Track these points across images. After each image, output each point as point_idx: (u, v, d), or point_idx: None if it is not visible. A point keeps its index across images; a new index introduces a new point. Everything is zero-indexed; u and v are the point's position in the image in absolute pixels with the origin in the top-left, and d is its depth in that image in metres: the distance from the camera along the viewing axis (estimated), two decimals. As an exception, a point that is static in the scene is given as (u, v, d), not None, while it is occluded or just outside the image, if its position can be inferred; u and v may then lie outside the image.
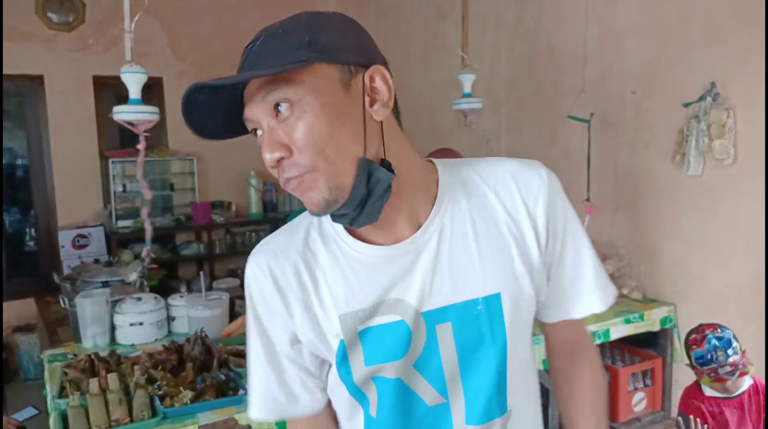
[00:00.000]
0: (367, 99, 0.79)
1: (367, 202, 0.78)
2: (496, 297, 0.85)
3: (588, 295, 0.94)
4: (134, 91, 2.02)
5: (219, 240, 5.03)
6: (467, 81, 2.85)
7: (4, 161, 4.76)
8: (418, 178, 0.88)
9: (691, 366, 2.08)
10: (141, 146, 2.07)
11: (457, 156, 2.02)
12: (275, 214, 5.34)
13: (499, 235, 0.87)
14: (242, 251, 5.16)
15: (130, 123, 2.00)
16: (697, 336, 2.07)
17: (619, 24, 3.00)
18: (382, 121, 0.81)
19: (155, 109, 2.05)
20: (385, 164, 0.80)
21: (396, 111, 0.87)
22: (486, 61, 3.86)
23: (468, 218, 0.87)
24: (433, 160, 0.94)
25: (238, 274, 5.12)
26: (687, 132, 2.66)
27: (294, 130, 0.74)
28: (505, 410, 0.90)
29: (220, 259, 5.06)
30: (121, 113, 1.97)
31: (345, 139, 0.76)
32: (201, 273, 2.63)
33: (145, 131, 2.01)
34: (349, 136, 0.76)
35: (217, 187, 5.24)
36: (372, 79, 0.80)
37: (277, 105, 0.74)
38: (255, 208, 5.21)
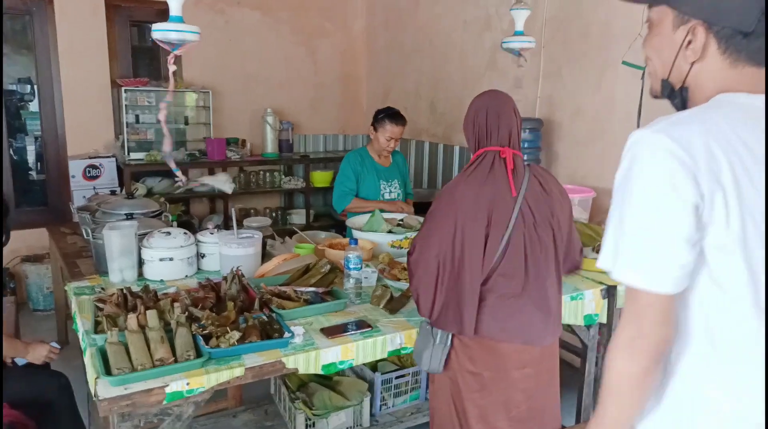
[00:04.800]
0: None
1: None
2: None
3: None
4: (176, 7, 1.83)
5: (233, 178, 4.87)
6: (520, 17, 2.65)
7: (10, 85, 4.54)
8: None
9: None
10: (171, 68, 1.87)
11: (509, 98, 1.87)
12: (290, 153, 5.17)
13: None
14: (256, 191, 5.03)
15: (169, 43, 1.81)
16: None
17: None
18: None
19: (196, 28, 1.87)
20: None
21: None
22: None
23: None
24: None
25: (252, 214, 5.01)
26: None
27: None
28: None
29: (233, 198, 4.92)
30: (163, 31, 1.78)
31: None
32: (232, 209, 2.50)
33: (179, 54, 1.82)
34: None
35: (232, 124, 5.05)
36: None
37: None
38: (270, 147, 5.04)
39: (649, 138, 0.92)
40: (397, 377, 2.75)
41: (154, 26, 1.82)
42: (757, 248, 0.92)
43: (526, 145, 3.43)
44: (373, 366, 2.79)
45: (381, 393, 2.72)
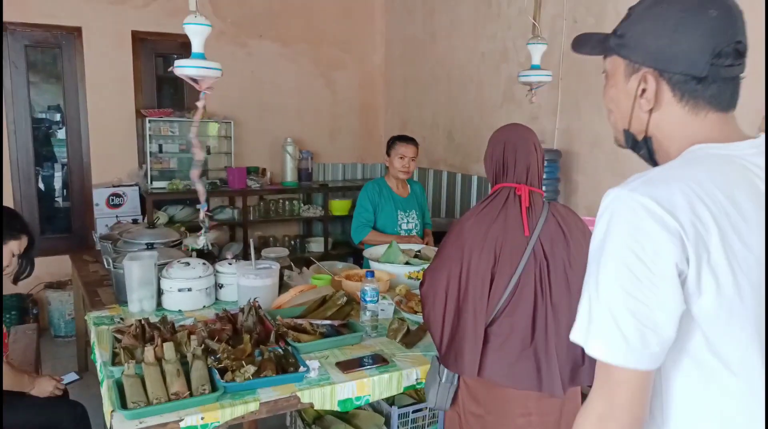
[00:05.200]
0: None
1: None
2: None
3: None
4: (197, 44, 1.89)
5: (252, 206, 4.93)
6: (537, 51, 2.66)
7: (40, 113, 4.67)
8: None
9: None
10: (200, 104, 1.94)
11: (530, 132, 1.84)
12: (310, 182, 5.22)
13: None
14: (275, 219, 5.07)
15: (192, 79, 1.86)
16: None
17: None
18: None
19: (218, 64, 1.92)
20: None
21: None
22: (545, 33, 3.64)
23: None
24: None
25: (270, 243, 5.05)
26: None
27: None
28: None
29: (252, 226, 4.97)
30: (184, 68, 1.84)
31: None
32: (251, 240, 2.52)
33: (208, 89, 1.87)
34: None
35: (252, 153, 5.12)
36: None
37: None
38: (290, 175, 5.09)
39: (627, 198, 0.85)
40: (413, 411, 2.70)
41: (176, 62, 1.87)
42: (757, 311, 0.86)
43: (544, 176, 3.41)
44: (390, 399, 2.76)
45: (398, 427, 2.68)
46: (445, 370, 1.72)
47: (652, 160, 1.01)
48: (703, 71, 0.90)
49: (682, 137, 0.95)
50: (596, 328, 0.86)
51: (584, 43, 1.05)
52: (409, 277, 2.64)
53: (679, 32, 0.90)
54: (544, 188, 3.24)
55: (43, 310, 4.42)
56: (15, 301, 4.23)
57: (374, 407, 2.80)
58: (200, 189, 2.14)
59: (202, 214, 2.06)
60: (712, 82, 0.91)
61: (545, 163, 3.43)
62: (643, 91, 0.95)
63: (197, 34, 1.88)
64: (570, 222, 1.73)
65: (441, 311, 1.71)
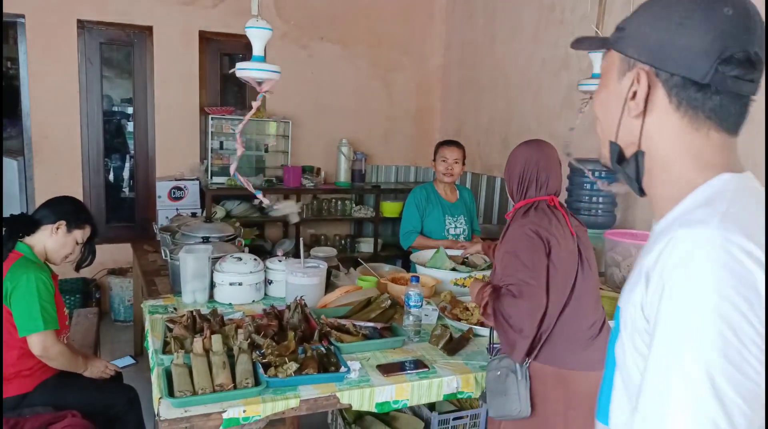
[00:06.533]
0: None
1: None
2: None
3: None
4: (258, 47, 1.94)
5: (306, 205, 5.02)
6: (598, 59, 2.60)
7: (112, 107, 4.91)
8: None
9: None
10: (256, 104, 1.99)
11: (552, 148, 1.98)
12: (362, 183, 5.27)
13: None
14: (327, 218, 5.14)
15: (258, 82, 1.92)
16: None
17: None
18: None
19: (277, 67, 1.97)
20: None
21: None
22: (608, 40, 3.56)
23: None
24: None
25: (321, 241, 5.12)
26: None
27: None
28: None
29: (305, 224, 5.06)
30: (246, 70, 1.90)
31: None
32: (301, 239, 2.58)
33: (267, 91, 1.92)
34: None
35: (308, 152, 5.22)
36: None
37: None
38: (343, 176, 5.16)
39: (722, 240, 0.67)
40: (454, 418, 2.69)
41: (238, 65, 1.93)
42: None
43: (603, 175, 3.34)
44: (431, 405, 2.75)
45: (437, 433, 2.67)
46: (525, 378, 1.75)
47: (636, 183, 0.85)
48: (706, 77, 0.75)
49: (682, 156, 0.80)
50: (684, 417, 0.64)
51: (584, 40, 0.93)
52: (455, 284, 2.63)
53: (685, 26, 0.76)
54: (608, 185, 3.20)
55: (104, 294, 4.64)
56: (79, 284, 4.47)
57: (415, 412, 2.80)
58: (243, 180, 2.17)
59: (261, 198, 2.13)
60: (715, 93, 0.76)
61: (605, 175, 3.36)
62: (634, 92, 0.81)
63: (258, 37, 1.93)
64: (574, 221, 1.93)
65: (538, 315, 1.73)
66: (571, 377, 1.76)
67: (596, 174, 3.24)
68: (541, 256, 1.75)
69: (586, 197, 3.29)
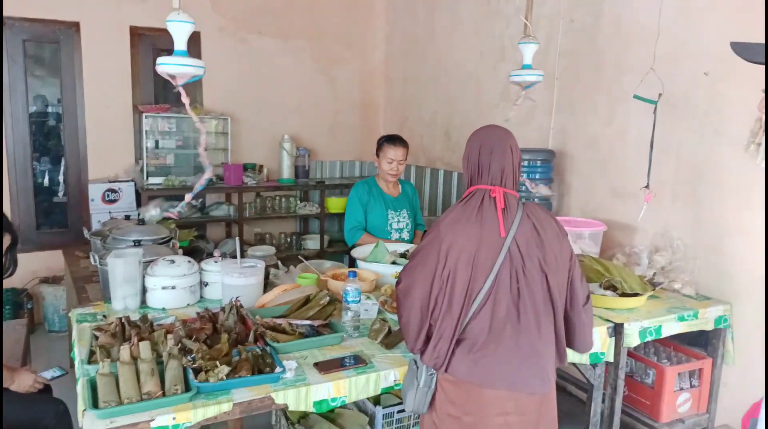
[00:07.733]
0: None
1: None
2: None
3: None
4: (180, 42, 1.88)
5: (249, 203, 4.92)
6: (529, 51, 2.64)
7: (37, 108, 4.67)
8: None
9: None
10: (185, 100, 1.92)
11: (507, 134, 1.82)
12: (306, 179, 5.21)
13: None
14: (272, 216, 5.06)
15: (171, 76, 1.86)
16: None
17: (699, -3, 2.75)
18: None
19: (200, 62, 1.91)
20: None
21: None
22: (542, 32, 3.62)
23: None
24: None
25: (266, 239, 5.04)
26: (766, 120, 2.44)
27: None
28: None
29: (248, 222, 4.97)
30: (166, 65, 1.83)
31: None
32: (237, 239, 2.51)
33: (181, 86, 1.85)
34: None
35: (249, 150, 5.12)
36: None
37: None
38: (287, 172, 5.09)
39: None
40: (398, 411, 2.69)
41: (159, 60, 1.86)
42: None
43: (537, 175, 3.40)
44: (376, 399, 2.75)
45: (382, 427, 2.67)
46: (423, 374, 1.73)
47: None
48: None
49: None
50: None
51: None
52: (396, 277, 2.62)
53: None
54: (536, 186, 3.24)
55: (37, 304, 4.43)
56: (10, 295, 4.25)
57: (359, 407, 2.79)
58: (204, 161, 2.08)
59: (187, 198, 2.06)
60: None
61: (539, 163, 3.42)
62: None
63: (180, 31, 1.88)
64: (544, 222, 1.74)
65: (417, 310, 1.72)
66: (480, 393, 1.67)
67: (526, 175, 3.30)
68: (429, 250, 1.70)
69: (523, 187, 3.33)
